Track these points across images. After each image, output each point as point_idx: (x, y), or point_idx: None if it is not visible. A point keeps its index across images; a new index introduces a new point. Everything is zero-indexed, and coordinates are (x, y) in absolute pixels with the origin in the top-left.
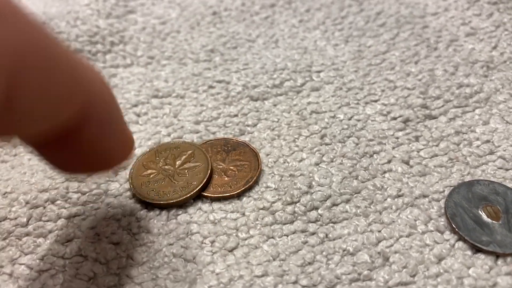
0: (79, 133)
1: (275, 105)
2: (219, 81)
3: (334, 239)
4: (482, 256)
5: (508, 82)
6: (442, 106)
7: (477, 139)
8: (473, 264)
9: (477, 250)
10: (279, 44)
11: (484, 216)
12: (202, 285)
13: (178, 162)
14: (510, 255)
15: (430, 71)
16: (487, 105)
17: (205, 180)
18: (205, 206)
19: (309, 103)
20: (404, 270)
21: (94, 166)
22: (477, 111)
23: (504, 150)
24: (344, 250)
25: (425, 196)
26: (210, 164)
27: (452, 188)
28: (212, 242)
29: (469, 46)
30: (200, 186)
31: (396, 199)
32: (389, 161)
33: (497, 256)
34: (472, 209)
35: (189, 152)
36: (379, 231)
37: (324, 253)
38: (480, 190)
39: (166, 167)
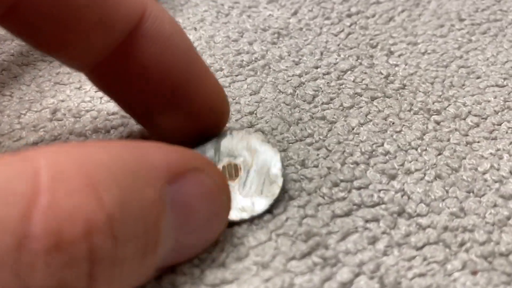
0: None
1: None
2: None
3: None
4: None
5: (296, 50)
6: None
7: (238, 111)
8: None
9: None
10: None
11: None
12: None
13: None
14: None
15: (210, 37)
16: (264, 73)
17: None
18: None
19: None
20: None
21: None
22: (248, 79)
23: (267, 122)
24: None
25: None
26: None
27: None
28: None
29: (267, 13)
30: None
31: None
32: None
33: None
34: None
35: None
36: None
37: None
38: (229, 144)
39: None
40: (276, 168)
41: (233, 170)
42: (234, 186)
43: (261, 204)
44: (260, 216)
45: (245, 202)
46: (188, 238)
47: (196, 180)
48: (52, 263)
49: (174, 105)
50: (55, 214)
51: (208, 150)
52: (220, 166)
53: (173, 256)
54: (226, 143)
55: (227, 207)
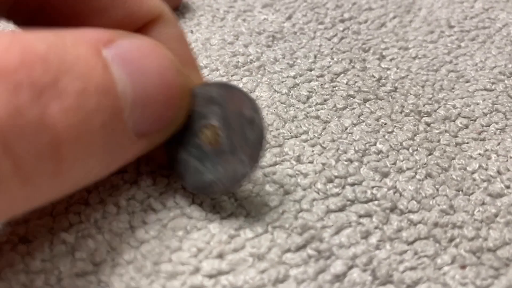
0: None
1: None
2: None
3: None
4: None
5: (290, 53)
6: (208, 75)
7: None
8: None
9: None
10: None
11: (205, 146)
12: None
13: None
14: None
15: (206, 40)
16: (259, 74)
17: None
18: None
19: None
20: None
21: None
22: (244, 79)
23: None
24: None
25: None
26: None
27: None
28: None
29: (262, 17)
30: None
31: None
32: None
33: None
34: (190, 140)
35: None
36: None
37: None
38: (196, 107)
39: None
40: (248, 109)
41: (212, 134)
42: (220, 151)
43: (253, 156)
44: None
45: (241, 158)
46: (145, 86)
47: (131, 42)
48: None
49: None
50: None
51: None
52: (199, 134)
53: (143, 120)
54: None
55: (173, 62)
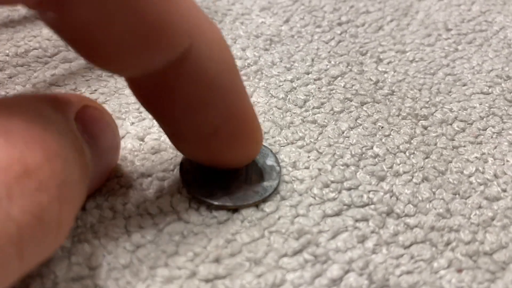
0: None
1: None
2: None
3: None
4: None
5: (287, 56)
6: None
7: None
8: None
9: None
10: None
11: None
12: None
13: None
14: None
15: None
16: (256, 78)
17: None
18: None
19: None
20: None
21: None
22: None
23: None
24: None
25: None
26: None
27: None
28: None
29: (260, 20)
30: None
31: None
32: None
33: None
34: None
35: None
36: None
37: None
38: None
39: None
40: (271, 160)
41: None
42: (239, 179)
43: (269, 187)
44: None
45: (253, 188)
46: (99, 161)
47: (92, 114)
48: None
49: (206, 134)
50: None
51: None
52: None
53: (94, 181)
54: None
55: (116, 130)
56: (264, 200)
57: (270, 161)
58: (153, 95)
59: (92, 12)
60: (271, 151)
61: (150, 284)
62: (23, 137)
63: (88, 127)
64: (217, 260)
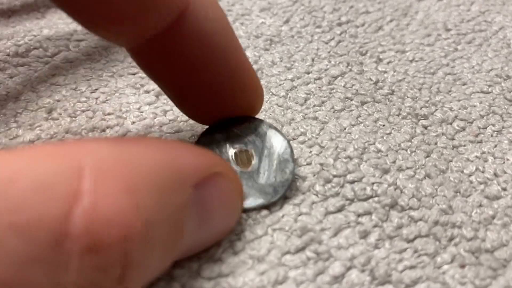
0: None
1: None
2: None
3: None
4: None
5: (288, 56)
6: None
7: None
8: None
9: None
10: None
11: (233, 163)
12: None
13: None
14: (253, 209)
15: None
16: None
17: None
18: None
19: None
20: None
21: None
22: None
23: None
24: None
25: None
26: None
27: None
28: None
29: (260, 21)
30: None
31: None
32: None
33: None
34: (223, 154)
35: None
36: None
37: None
38: (238, 130)
39: None
40: (286, 154)
41: (245, 157)
42: (248, 173)
43: (277, 191)
44: (272, 206)
45: (261, 188)
46: (204, 235)
47: (219, 186)
48: (86, 264)
49: (210, 91)
50: (95, 216)
51: (219, 137)
52: (231, 153)
53: (189, 250)
54: (235, 129)
55: (240, 208)
56: (269, 206)
57: (285, 155)
58: (155, 62)
59: None
60: (289, 142)
61: (153, 282)
62: None
63: (208, 203)
64: (220, 259)
